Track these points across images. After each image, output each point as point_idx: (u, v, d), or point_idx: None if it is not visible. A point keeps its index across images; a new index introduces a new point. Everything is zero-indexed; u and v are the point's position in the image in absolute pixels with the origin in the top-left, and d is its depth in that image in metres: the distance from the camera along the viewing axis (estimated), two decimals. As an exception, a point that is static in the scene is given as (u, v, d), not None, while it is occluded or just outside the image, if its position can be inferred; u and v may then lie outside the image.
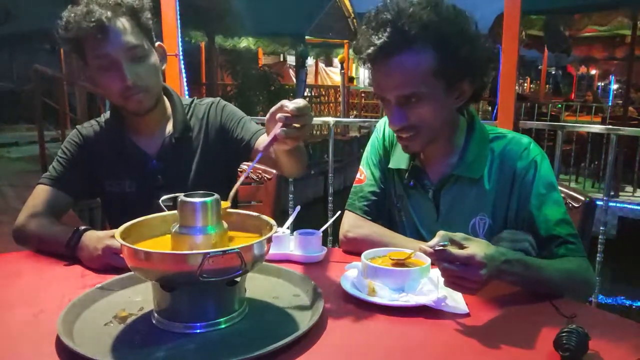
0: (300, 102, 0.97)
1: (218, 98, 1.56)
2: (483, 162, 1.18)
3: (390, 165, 1.30)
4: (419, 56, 1.05)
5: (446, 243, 0.90)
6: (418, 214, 1.26)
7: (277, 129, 0.95)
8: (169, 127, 1.46)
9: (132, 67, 1.29)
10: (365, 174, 1.35)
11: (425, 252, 0.91)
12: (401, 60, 1.06)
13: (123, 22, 1.28)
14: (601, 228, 2.58)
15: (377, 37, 1.05)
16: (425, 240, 1.20)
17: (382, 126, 1.37)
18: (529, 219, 1.13)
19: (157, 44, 1.40)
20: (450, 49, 1.05)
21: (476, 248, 0.90)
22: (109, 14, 1.26)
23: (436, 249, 0.89)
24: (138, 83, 1.30)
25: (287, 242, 1.25)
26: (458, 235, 0.92)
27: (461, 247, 0.91)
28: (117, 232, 0.87)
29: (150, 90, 1.35)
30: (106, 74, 1.30)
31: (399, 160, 1.28)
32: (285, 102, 0.98)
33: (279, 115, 0.96)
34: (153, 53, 1.36)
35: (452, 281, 0.91)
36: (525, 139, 1.20)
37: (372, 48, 1.06)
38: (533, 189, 1.14)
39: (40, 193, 1.38)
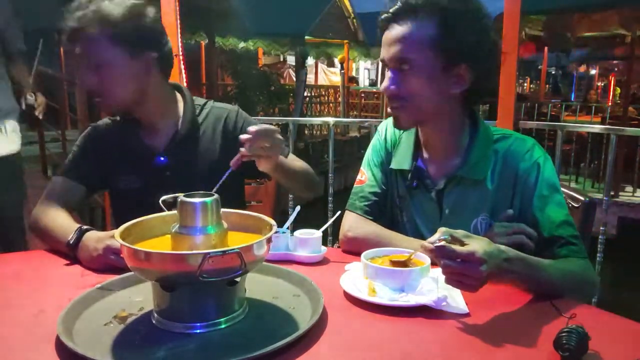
0: (262, 126, 1.15)
1: (236, 106, 1.58)
2: (487, 164, 1.18)
3: (393, 166, 1.30)
4: (419, 25, 1.11)
5: (447, 237, 0.90)
6: (421, 215, 1.26)
7: (242, 149, 1.13)
8: (178, 125, 1.47)
9: (88, 72, 1.33)
10: (366, 175, 1.35)
11: (426, 249, 0.91)
12: (402, 27, 1.13)
13: (94, 30, 1.29)
14: (601, 228, 2.58)
15: (391, 7, 1.14)
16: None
17: (384, 128, 1.38)
18: (532, 221, 1.13)
19: (150, 53, 1.36)
20: (450, 26, 1.09)
21: (477, 245, 0.90)
22: (88, 16, 1.28)
23: (437, 244, 0.89)
24: (92, 88, 1.35)
25: (287, 242, 1.25)
26: (459, 232, 0.92)
27: (462, 244, 0.91)
28: (117, 232, 0.88)
29: (106, 97, 1.37)
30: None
31: (402, 160, 1.28)
32: (250, 127, 1.14)
33: (241, 136, 1.14)
34: (119, 62, 1.32)
35: (453, 278, 0.91)
36: (529, 140, 1.21)
37: (384, 15, 1.15)
38: (536, 190, 1.14)
39: (55, 184, 1.44)
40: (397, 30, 1.13)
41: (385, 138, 1.36)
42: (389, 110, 1.21)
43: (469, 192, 1.20)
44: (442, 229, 0.92)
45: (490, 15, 1.15)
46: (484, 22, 1.13)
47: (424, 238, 1.21)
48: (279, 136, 1.18)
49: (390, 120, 1.38)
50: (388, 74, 1.17)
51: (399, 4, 1.14)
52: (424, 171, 1.25)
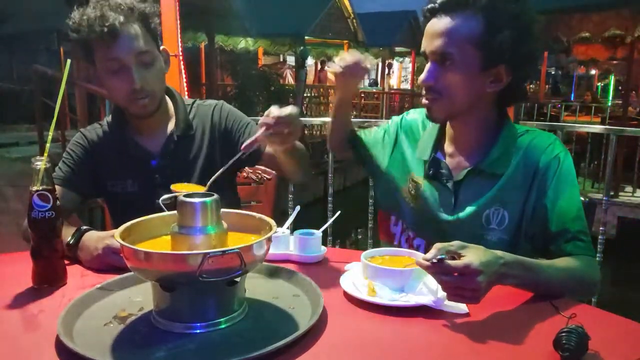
0: (286, 110, 1.07)
1: (221, 101, 1.57)
2: (509, 159, 1.18)
3: (417, 156, 1.31)
4: (464, 21, 1.09)
5: (443, 256, 0.90)
6: (435, 203, 1.24)
7: (259, 132, 1.07)
8: (171, 126, 1.48)
9: (141, 72, 1.32)
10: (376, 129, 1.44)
11: (422, 266, 0.91)
12: (447, 19, 1.11)
13: (134, 28, 1.30)
14: (601, 228, 2.58)
15: None
16: (433, 230, 1.22)
17: (400, 118, 1.43)
18: (543, 212, 1.14)
19: (161, 48, 1.41)
20: (495, 26, 1.08)
21: (472, 256, 0.89)
22: (122, 18, 1.27)
23: (433, 262, 0.89)
24: (145, 87, 1.33)
25: (287, 242, 1.25)
26: (455, 245, 0.92)
27: (459, 256, 0.90)
28: (116, 232, 0.88)
29: (155, 95, 1.38)
30: (115, 77, 1.32)
31: (422, 151, 1.29)
32: (272, 108, 1.08)
33: (261, 120, 1.08)
34: (159, 58, 1.38)
35: (453, 293, 0.90)
36: (551, 136, 1.22)
37: (430, 5, 1.14)
38: (552, 183, 1.14)
39: None
40: (442, 23, 1.11)
41: (401, 124, 1.40)
42: (423, 101, 1.20)
43: (486, 184, 1.19)
44: (437, 246, 0.92)
45: (538, 20, 1.14)
46: (530, 26, 1.11)
47: (430, 226, 1.23)
48: (300, 120, 1.13)
49: (416, 112, 1.41)
50: (427, 65, 1.16)
51: None
52: (443, 163, 1.25)
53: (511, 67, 1.12)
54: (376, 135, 1.44)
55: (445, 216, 1.22)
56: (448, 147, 1.27)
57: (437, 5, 1.12)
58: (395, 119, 1.44)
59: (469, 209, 1.19)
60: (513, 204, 1.17)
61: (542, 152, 1.17)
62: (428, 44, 1.15)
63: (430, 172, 1.25)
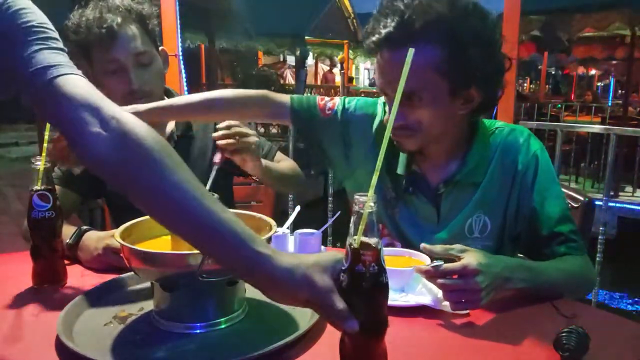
0: (225, 123, 1.22)
1: None
2: (485, 165, 1.14)
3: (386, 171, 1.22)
4: (423, 51, 0.96)
5: (441, 263, 0.89)
6: (416, 219, 1.19)
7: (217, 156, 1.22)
8: (170, 126, 1.48)
9: (138, 72, 1.33)
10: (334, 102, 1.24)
11: (420, 272, 0.91)
12: (403, 52, 0.99)
13: (132, 29, 1.32)
14: (601, 228, 2.58)
15: (384, 25, 0.99)
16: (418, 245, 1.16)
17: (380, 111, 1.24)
18: (530, 216, 1.11)
19: (160, 48, 1.42)
20: (459, 49, 0.98)
21: (470, 257, 0.89)
22: (119, 20, 1.29)
23: (432, 265, 0.89)
24: (143, 88, 1.34)
25: (287, 242, 1.25)
26: (455, 248, 0.91)
27: (459, 259, 0.90)
28: (116, 232, 0.88)
29: (153, 95, 1.37)
30: (112, 78, 1.33)
31: (397, 165, 1.20)
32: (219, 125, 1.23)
33: (214, 135, 1.22)
34: (158, 58, 1.39)
35: (455, 299, 0.89)
36: (523, 131, 1.17)
37: (376, 37, 1.01)
38: (535, 184, 1.11)
39: None
40: (397, 57, 0.98)
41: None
42: (393, 136, 1.08)
43: (466, 194, 1.15)
44: (438, 247, 0.92)
45: (495, 21, 1.04)
46: (494, 38, 1.02)
47: (414, 241, 1.16)
48: (244, 131, 1.23)
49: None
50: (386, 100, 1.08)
51: (393, 24, 0.97)
52: (420, 176, 1.19)
53: (482, 86, 1.04)
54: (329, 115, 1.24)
55: (431, 232, 1.16)
56: (422, 160, 1.19)
57: (383, 38, 0.98)
58: (367, 107, 1.25)
59: (452, 221, 1.15)
60: (494, 208, 1.14)
61: (518, 151, 1.13)
62: (386, 84, 1.03)
63: (410, 189, 1.18)
